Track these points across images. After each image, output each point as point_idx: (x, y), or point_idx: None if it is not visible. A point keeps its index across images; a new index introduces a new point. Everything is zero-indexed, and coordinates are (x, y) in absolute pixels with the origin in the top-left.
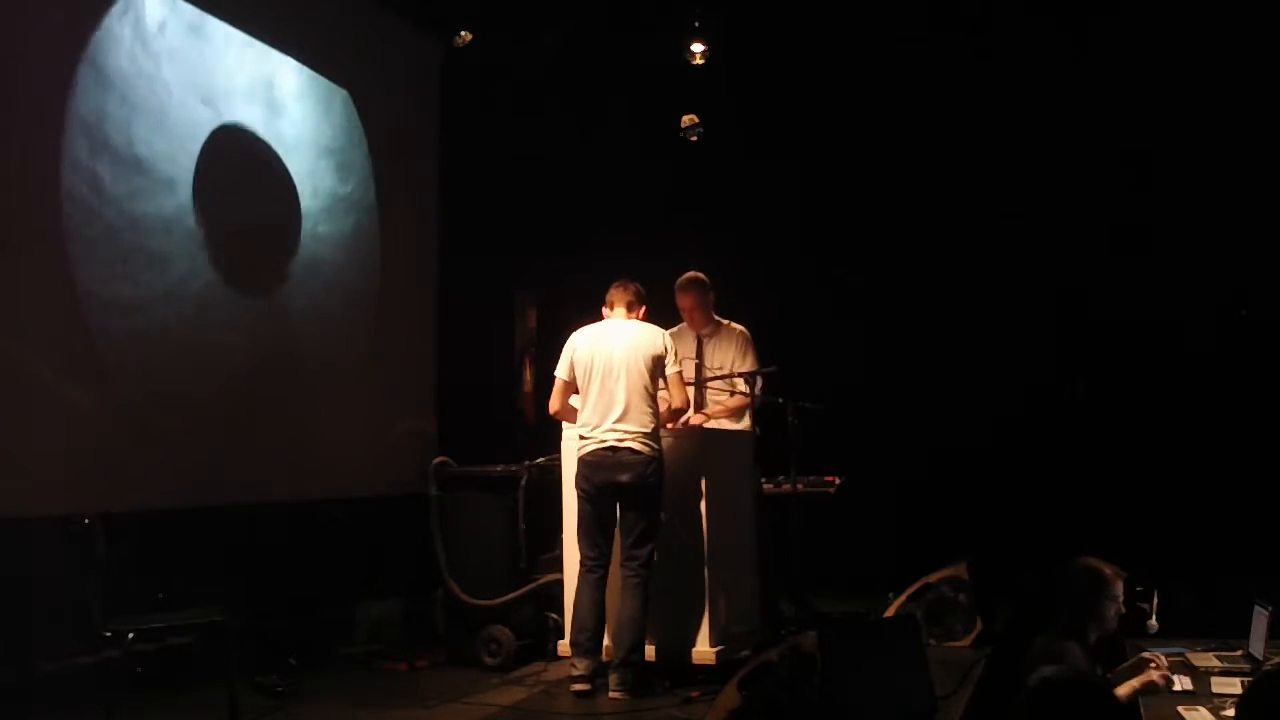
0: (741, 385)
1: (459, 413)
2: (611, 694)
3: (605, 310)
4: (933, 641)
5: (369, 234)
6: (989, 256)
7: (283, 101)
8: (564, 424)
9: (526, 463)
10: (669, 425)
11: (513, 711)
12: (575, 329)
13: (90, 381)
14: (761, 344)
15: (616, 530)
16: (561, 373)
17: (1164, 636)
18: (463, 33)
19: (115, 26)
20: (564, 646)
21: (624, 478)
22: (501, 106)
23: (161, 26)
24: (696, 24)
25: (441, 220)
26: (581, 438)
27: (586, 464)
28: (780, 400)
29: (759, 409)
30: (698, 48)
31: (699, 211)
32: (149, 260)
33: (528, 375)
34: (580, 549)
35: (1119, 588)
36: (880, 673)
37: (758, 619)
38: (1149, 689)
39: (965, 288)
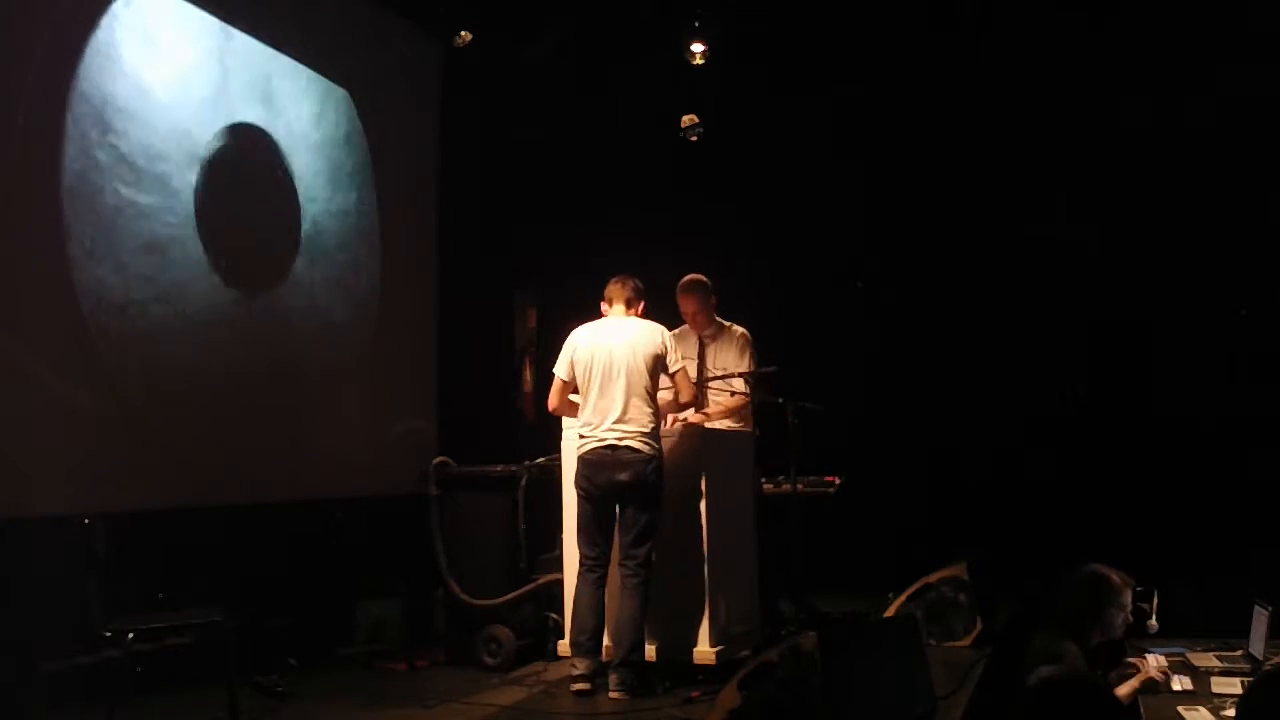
0: (741, 385)
1: (459, 413)
2: (611, 694)
3: (604, 306)
4: (933, 641)
5: (369, 234)
6: (989, 256)
7: (282, 101)
8: (564, 423)
9: (526, 463)
10: (675, 416)
11: (513, 711)
12: (575, 328)
13: (90, 381)
14: (762, 343)
15: (616, 530)
16: (561, 372)
17: (1164, 636)
18: (463, 33)
19: (115, 26)
20: (564, 646)
21: (624, 476)
22: (501, 106)
23: (161, 26)
24: (697, 24)
25: (441, 220)
26: (581, 436)
27: (586, 463)
28: (780, 400)
29: (759, 409)
30: (698, 48)
31: (699, 211)
32: (149, 260)
33: (528, 375)
34: (580, 549)
35: (1127, 596)
36: (880, 673)
37: (758, 619)
38: (1148, 687)
39: (966, 288)
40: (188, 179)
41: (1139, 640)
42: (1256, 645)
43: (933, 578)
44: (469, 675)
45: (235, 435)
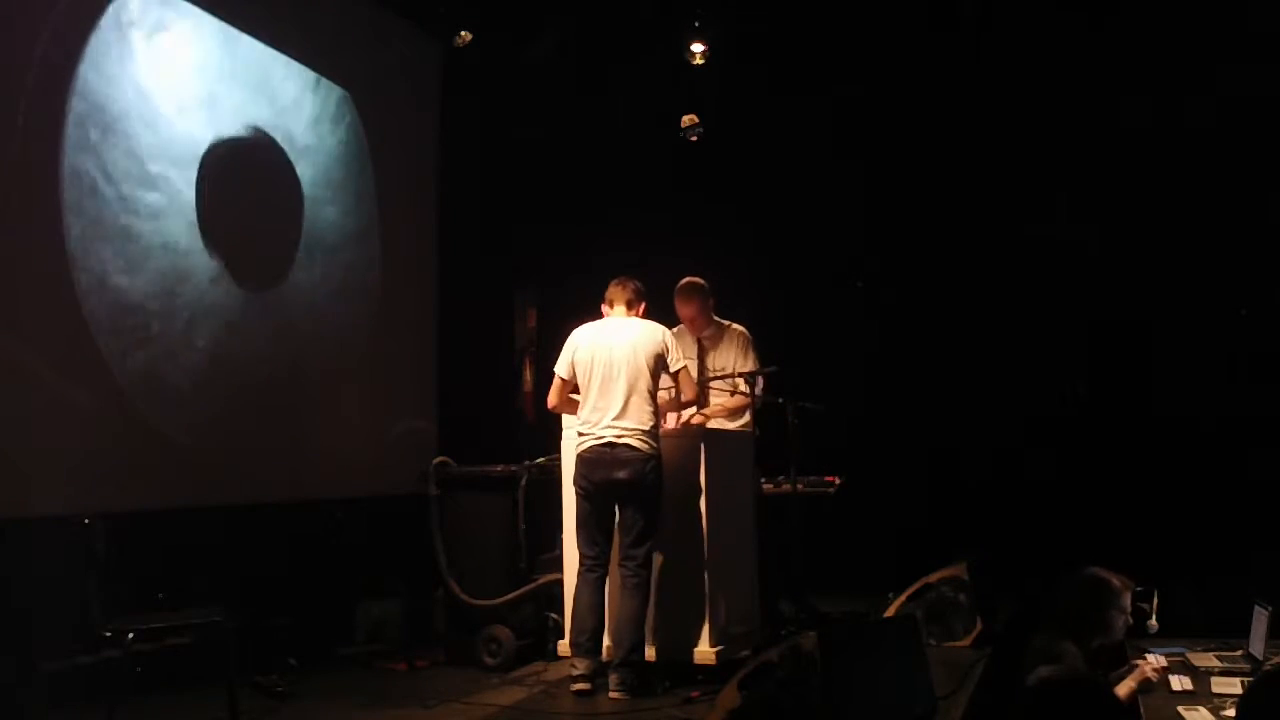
0: (742, 385)
1: (459, 413)
2: (611, 694)
3: (604, 308)
4: (933, 641)
5: (369, 234)
6: (989, 256)
7: (282, 102)
8: (564, 423)
9: (526, 463)
10: (678, 415)
11: (513, 711)
12: (576, 328)
13: (90, 381)
14: (762, 343)
15: (615, 530)
16: (561, 371)
17: (1164, 636)
18: (463, 33)
19: (115, 26)
20: (564, 646)
21: (622, 475)
22: (501, 106)
23: (160, 26)
24: (697, 24)
25: (441, 220)
26: (580, 435)
27: (585, 461)
28: (780, 400)
29: (759, 409)
30: (698, 48)
31: (699, 211)
32: (149, 260)
33: (528, 375)
34: (579, 548)
35: (1127, 599)
36: (880, 673)
37: (758, 619)
38: (1145, 686)
39: (966, 288)
40: (187, 179)
41: (1139, 640)
42: (1256, 645)
43: (933, 578)
44: (469, 675)
45: (235, 435)
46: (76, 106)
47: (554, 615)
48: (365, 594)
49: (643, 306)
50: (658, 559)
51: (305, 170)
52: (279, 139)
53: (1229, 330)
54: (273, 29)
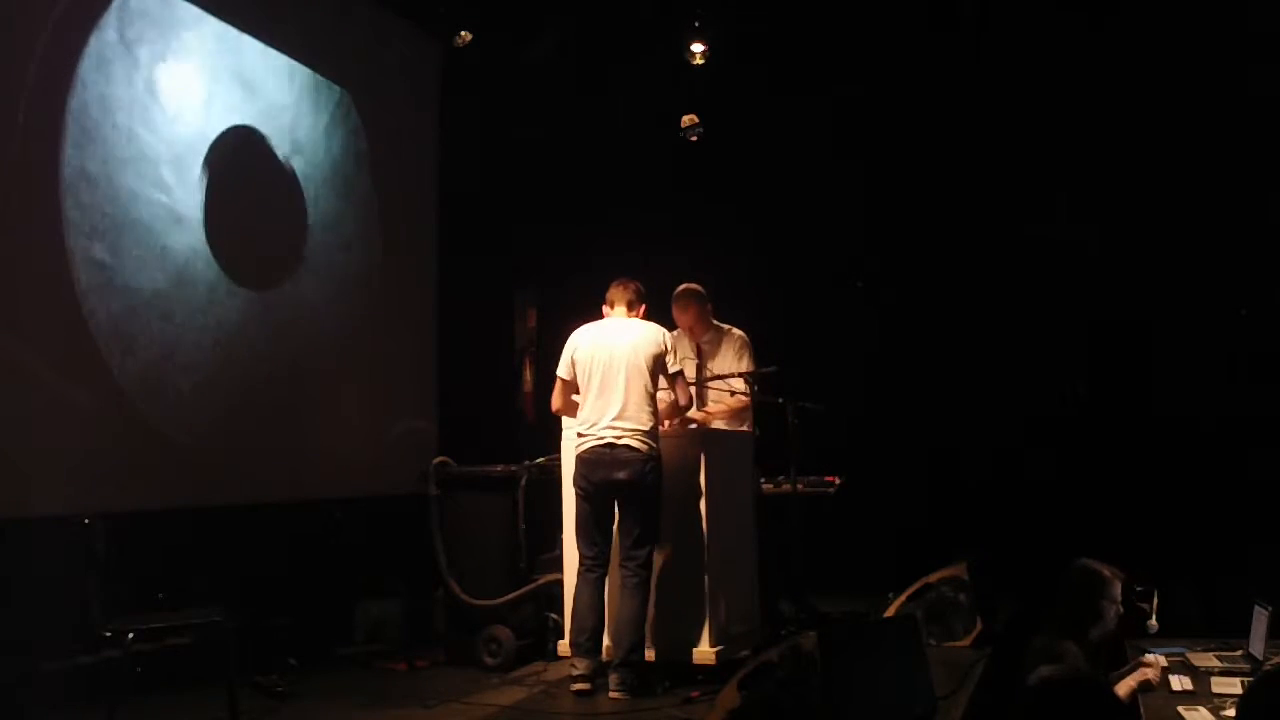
0: (741, 386)
1: (459, 413)
2: (611, 694)
3: (605, 309)
4: (933, 641)
5: (369, 234)
6: (989, 256)
7: (283, 101)
8: (564, 423)
9: (526, 463)
10: (671, 422)
11: (513, 711)
12: (576, 328)
13: (90, 381)
14: (762, 343)
15: (615, 530)
16: (563, 372)
17: (1164, 636)
18: (463, 33)
19: (115, 26)
20: (564, 646)
21: (621, 475)
22: (501, 106)
23: (160, 26)
24: (697, 24)
25: (441, 220)
26: (579, 435)
27: (584, 461)
28: (780, 400)
29: (759, 409)
30: (698, 48)
31: (699, 211)
32: (149, 260)
33: (528, 375)
34: (579, 548)
35: (1117, 589)
36: (880, 673)
37: (758, 619)
38: (1145, 686)
39: (966, 288)
40: (187, 179)
41: (1139, 640)
42: (1256, 645)
43: (933, 578)
44: (469, 675)
45: (235, 435)
46: (77, 106)
47: (554, 615)
48: (365, 594)
49: (643, 308)
50: (658, 559)
51: (305, 170)
52: (279, 139)
53: (1229, 330)
54: (273, 29)
